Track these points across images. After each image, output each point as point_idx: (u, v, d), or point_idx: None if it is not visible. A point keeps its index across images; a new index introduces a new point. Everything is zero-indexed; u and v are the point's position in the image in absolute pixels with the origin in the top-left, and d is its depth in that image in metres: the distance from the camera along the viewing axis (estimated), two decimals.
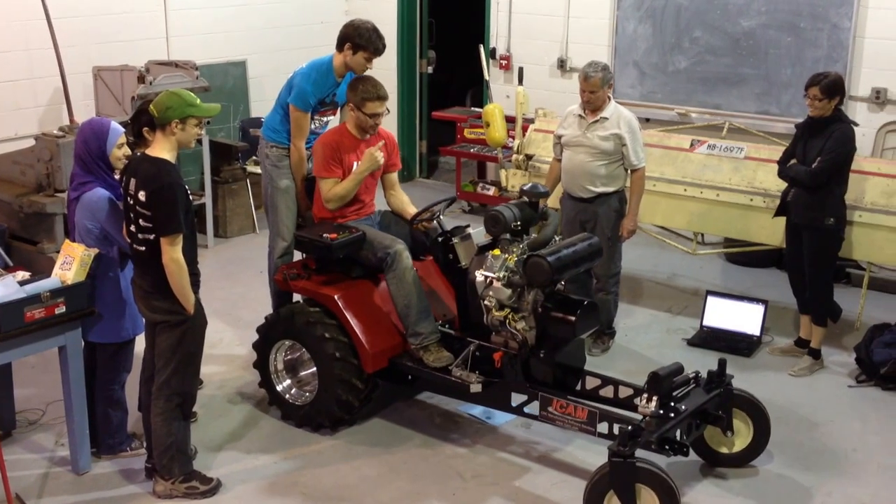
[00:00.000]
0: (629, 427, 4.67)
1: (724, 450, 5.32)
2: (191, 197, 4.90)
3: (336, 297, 5.53)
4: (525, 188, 5.48)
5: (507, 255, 5.23)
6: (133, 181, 4.74)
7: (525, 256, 5.14)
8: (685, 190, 7.33)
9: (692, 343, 6.91)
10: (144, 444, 5.26)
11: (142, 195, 4.67)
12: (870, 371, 6.36)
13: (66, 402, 5.17)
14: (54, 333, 4.96)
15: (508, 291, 5.17)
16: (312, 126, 6.18)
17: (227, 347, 6.82)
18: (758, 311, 6.93)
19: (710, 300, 7.09)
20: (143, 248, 4.76)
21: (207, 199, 8.80)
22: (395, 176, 6.09)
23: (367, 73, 6.02)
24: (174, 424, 4.97)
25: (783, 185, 6.49)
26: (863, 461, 5.51)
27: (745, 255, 8.11)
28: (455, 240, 5.70)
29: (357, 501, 5.10)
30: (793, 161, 6.32)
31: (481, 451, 5.57)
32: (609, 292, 6.66)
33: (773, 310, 7.13)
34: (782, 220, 6.55)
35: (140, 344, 5.24)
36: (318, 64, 6.09)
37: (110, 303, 5.13)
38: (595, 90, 6.32)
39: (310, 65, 6.10)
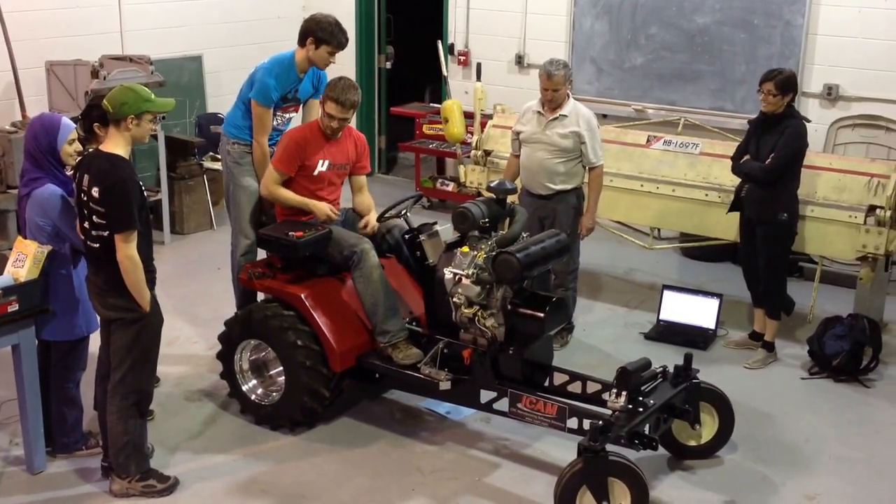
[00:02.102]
0: (600, 422, 4.69)
1: (692, 442, 5.37)
2: (145, 193, 4.85)
3: (302, 295, 5.48)
4: (492, 185, 5.48)
5: (475, 252, 5.22)
6: (86, 177, 4.68)
7: (494, 253, 5.12)
8: (641, 186, 7.38)
9: (649, 337, 6.98)
10: (100, 443, 5.21)
11: (95, 191, 4.62)
12: (822, 363, 6.45)
13: (20, 400, 5.10)
14: (7, 332, 4.90)
15: (477, 289, 5.15)
16: (274, 123, 6.12)
17: (184, 345, 6.76)
18: (713, 304, 7.01)
19: (667, 294, 7.16)
20: (98, 245, 4.72)
21: (163, 196, 8.72)
22: (363, 178, 6.03)
23: (330, 67, 6.00)
24: (130, 423, 4.93)
25: (738, 180, 6.56)
26: (815, 452, 5.59)
27: (700, 250, 8.18)
28: (422, 237, 5.68)
29: (317, 498, 5.09)
30: (746, 157, 6.39)
31: (443, 446, 5.58)
32: (567, 288, 6.69)
33: (728, 303, 7.21)
34: (737, 215, 6.62)
35: (95, 342, 5.19)
36: (280, 59, 6.03)
37: (64, 300, 5.08)
38: (558, 88, 6.34)
39: (272, 60, 6.04)
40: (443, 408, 5.91)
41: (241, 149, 6.14)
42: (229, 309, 6.20)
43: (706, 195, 7.15)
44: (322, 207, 5.74)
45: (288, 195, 5.76)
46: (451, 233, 5.59)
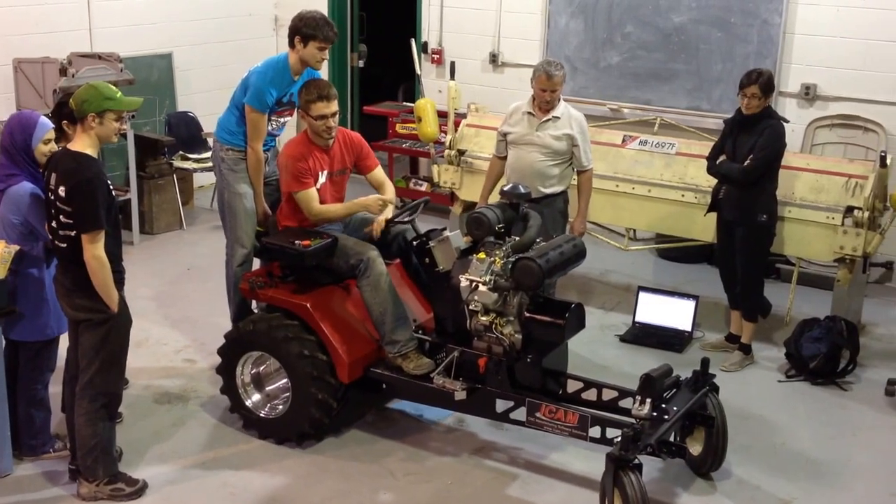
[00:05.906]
0: (631, 431, 4.59)
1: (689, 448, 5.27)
2: (114, 192, 4.76)
3: (308, 305, 5.34)
4: (505, 189, 5.39)
5: (492, 259, 5.10)
6: (54, 176, 4.61)
7: (513, 259, 5.01)
8: (617, 186, 7.34)
9: (625, 339, 6.93)
10: (68, 446, 5.13)
11: (62, 190, 4.54)
12: (799, 366, 6.43)
13: None
14: None
15: (495, 296, 5.03)
16: (269, 127, 5.98)
17: (154, 346, 6.66)
18: (689, 306, 6.97)
19: (642, 296, 7.12)
20: (65, 245, 4.64)
21: (133, 195, 8.60)
22: (378, 174, 5.86)
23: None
24: (99, 425, 4.86)
25: (714, 180, 6.53)
26: (792, 455, 5.56)
27: (676, 251, 8.16)
28: (432, 243, 5.51)
29: (287, 501, 5.02)
30: (722, 157, 6.36)
31: (417, 450, 5.51)
32: (546, 291, 6.63)
33: (704, 305, 7.18)
34: (713, 216, 6.59)
35: (64, 343, 5.10)
36: (273, 62, 5.89)
37: (33, 300, 5.00)
38: (556, 89, 6.27)
39: (265, 63, 5.90)
40: (416, 410, 5.83)
41: (236, 155, 5.99)
42: (199, 310, 6.12)
43: (682, 195, 7.12)
44: (371, 199, 5.62)
45: (335, 208, 5.61)
46: (460, 239, 5.49)
